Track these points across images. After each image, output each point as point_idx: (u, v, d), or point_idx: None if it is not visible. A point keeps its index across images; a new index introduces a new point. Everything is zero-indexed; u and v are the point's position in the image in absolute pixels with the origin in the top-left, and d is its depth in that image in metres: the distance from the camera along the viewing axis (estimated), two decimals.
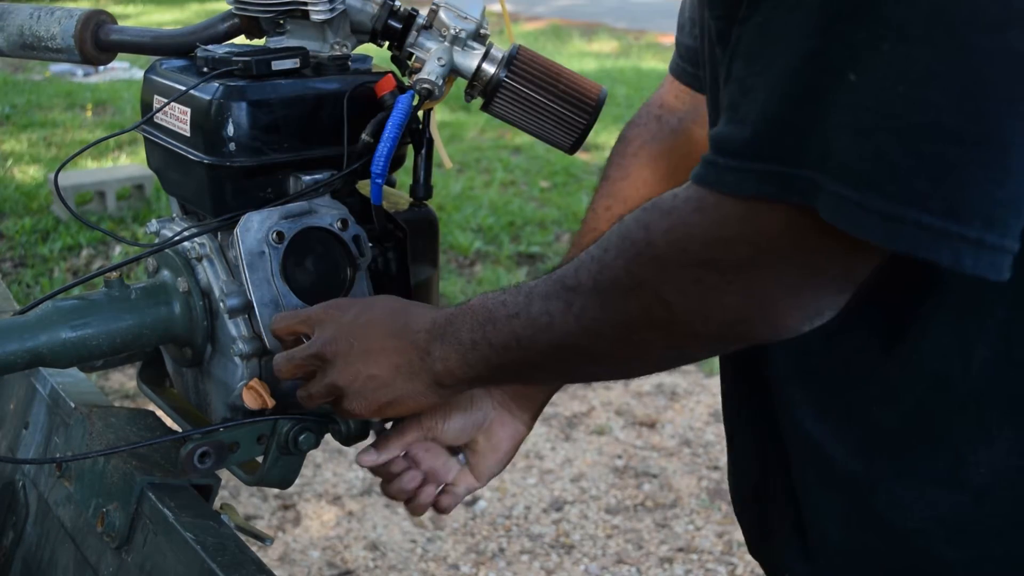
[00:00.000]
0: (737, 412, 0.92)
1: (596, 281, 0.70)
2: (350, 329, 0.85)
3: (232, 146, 0.90)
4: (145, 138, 1.00)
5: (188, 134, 0.92)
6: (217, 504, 0.99)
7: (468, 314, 0.79)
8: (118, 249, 4.02)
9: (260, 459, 0.97)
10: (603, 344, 0.73)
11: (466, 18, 0.97)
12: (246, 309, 0.92)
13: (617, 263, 0.69)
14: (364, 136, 0.93)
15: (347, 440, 0.98)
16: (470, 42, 0.97)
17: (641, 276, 0.67)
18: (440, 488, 1.03)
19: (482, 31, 0.98)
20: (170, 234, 0.98)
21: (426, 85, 0.93)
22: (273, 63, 0.92)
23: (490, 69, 0.98)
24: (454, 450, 1.03)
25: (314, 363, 0.86)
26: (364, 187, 0.98)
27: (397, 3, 0.99)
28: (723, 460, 2.84)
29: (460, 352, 0.80)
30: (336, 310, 0.87)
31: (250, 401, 0.91)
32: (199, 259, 0.94)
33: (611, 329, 0.71)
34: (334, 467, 2.74)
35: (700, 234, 0.64)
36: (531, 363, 0.78)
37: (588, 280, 0.71)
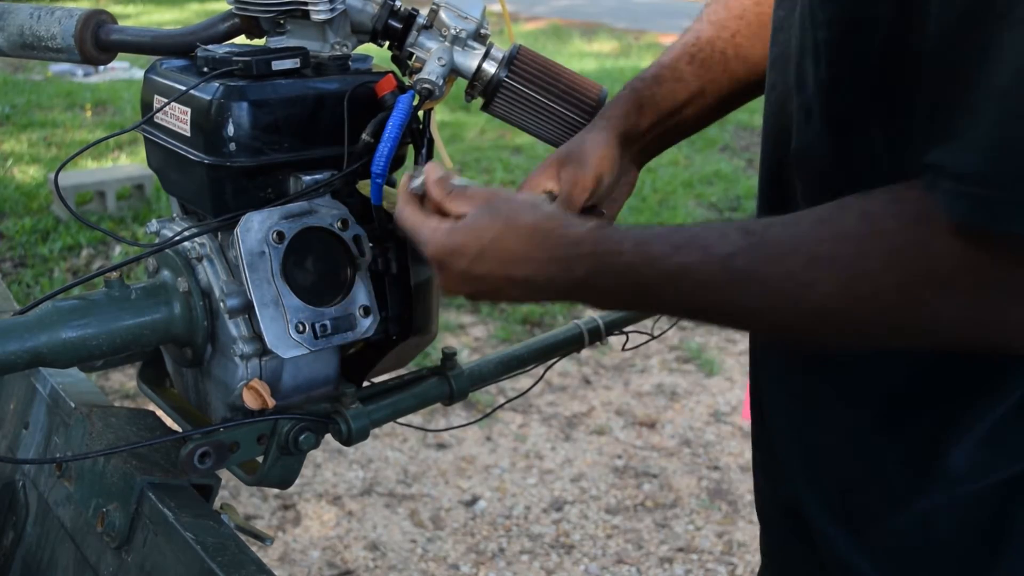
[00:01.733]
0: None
1: (849, 288, 0.64)
2: (503, 241, 0.76)
3: (232, 146, 0.90)
4: (145, 138, 1.00)
5: (188, 134, 0.92)
6: (217, 504, 0.99)
7: (628, 272, 0.71)
8: (118, 249, 4.02)
9: (260, 459, 0.97)
10: (837, 341, 0.70)
11: (466, 18, 0.97)
12: (246, 309, 0.92)
13: (886, 279, 0.63)
14: (364, 136, 0.93)
15: (347, 440, 0.98)
16: (470, 42, 0.97)
17: (920, 296, 0.63)
18: None
19: (482, 31, 0.98)
20: (170, 234, 0.98)
21: (426, 85, 0.93)
22: (273, 63, 0.92)
23: (490, 69, 0.98)
24: None
25: (444, 257, 0.79)
26: (365, 187, 0.98)
27: (397, 3, 0.99)
28: (723, 460, 2.85)
29: (618, 302, 0.79)
30: (490, 216, 0.77)
31: (250, 401, 0.91)
32: (199, 259, 0.94)
33: (859, 332, 0.67)
34: (334, 467, 2.74)
35: (999, 270, 0.61)
36: (707, 320, 0.75)
37: (832, 284, 0.64)
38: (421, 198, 0.84)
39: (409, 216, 0.83)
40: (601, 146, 0.95)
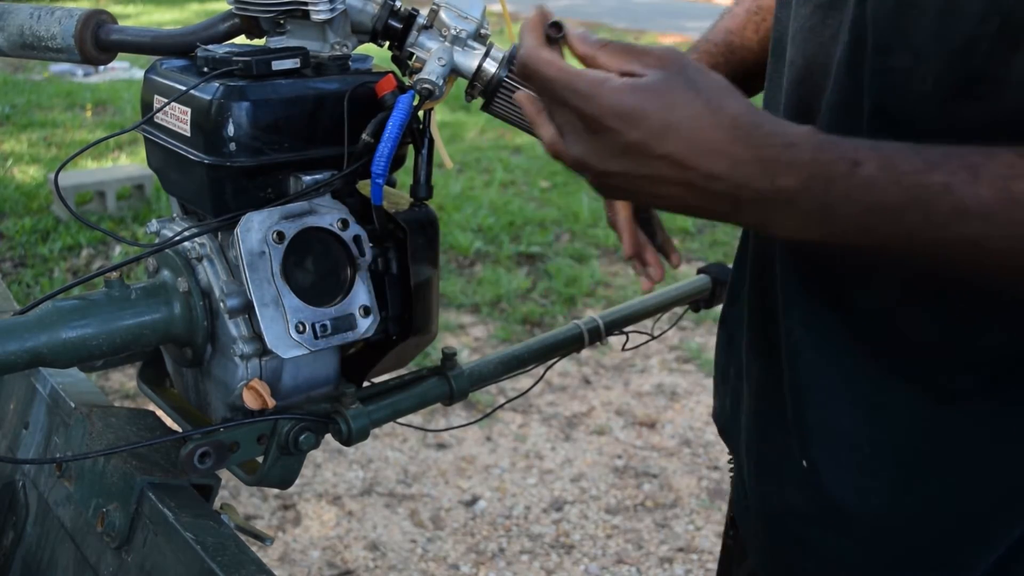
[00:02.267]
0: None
1: None
2: (699, 123, 0.60)
3: (232, 146, 0.90)
4: (145, 138, 1.00)
5: (188, 134, 0.92)
6: (217, 504, 0.99)
7: (863, 189, 0.58)
8: (118, 249, 4.02)
9: (260, 459, 0.97)
10: None
11: (466, 18, 0.96)
12: (246, 309, 0.92)
13: None
14: (364, 136, 0.93)
15: (347, 440, 0.98)
16: (470, 42, 0.97)
17: None
18: None
19: (482, 31, 0.98)
20: (170, 234, 0.98)
21: (427, 85, 0.93)
22: (273, 63, 0.92)
23: (491, 69, 0.98)
24: None
25: (612, 119, 0.63)
26: (364, 187, 0.98)
27: (398, 3, 0.99)
28: (723, 460, 2.85)
29: (823, 228, 0.60)
30: (687, 88, 0.61)
31: (250, 401, 0.91)
32: (199, 259, 0.94)
33: None
34: (334, 467, 2.74)
35: None
36: (942, 259, 0.61)
37: None
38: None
39: (553, 61, 0.65)
40: None
